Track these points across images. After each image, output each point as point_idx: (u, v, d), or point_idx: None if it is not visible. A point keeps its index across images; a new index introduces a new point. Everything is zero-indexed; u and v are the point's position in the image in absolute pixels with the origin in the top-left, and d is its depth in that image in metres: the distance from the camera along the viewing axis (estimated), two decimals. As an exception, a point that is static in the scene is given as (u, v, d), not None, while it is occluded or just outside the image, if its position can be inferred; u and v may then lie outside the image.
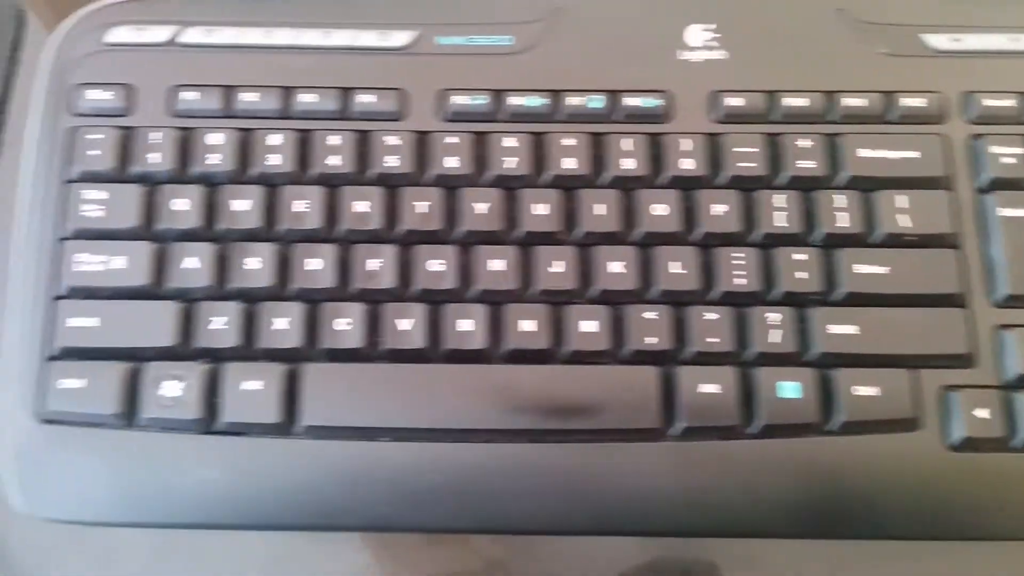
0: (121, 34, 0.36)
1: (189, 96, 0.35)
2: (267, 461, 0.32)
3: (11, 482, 0.32)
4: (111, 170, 0.34)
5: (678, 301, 0.33)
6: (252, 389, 0.31)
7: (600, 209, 0.33)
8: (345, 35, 0.36)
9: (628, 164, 0.34)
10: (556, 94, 0.35)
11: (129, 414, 0.32)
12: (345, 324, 0.32)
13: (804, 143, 0.34)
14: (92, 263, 0.33)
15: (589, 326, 0.32)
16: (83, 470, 0.32)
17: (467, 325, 0.32)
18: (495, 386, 0.32)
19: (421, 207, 0.34)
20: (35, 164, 0.35)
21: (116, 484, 0.32)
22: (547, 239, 0.33)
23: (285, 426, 0.32)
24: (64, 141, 0.35)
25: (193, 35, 0.36)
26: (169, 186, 0.34)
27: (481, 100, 0.35)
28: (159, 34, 0.36)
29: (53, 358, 0.32)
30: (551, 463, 0.32)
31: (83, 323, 0.32)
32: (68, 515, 0.32)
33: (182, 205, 0.34)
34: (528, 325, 0.32)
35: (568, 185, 0.34)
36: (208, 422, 0.32)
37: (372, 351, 0.32)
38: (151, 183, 0.34)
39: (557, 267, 0.33)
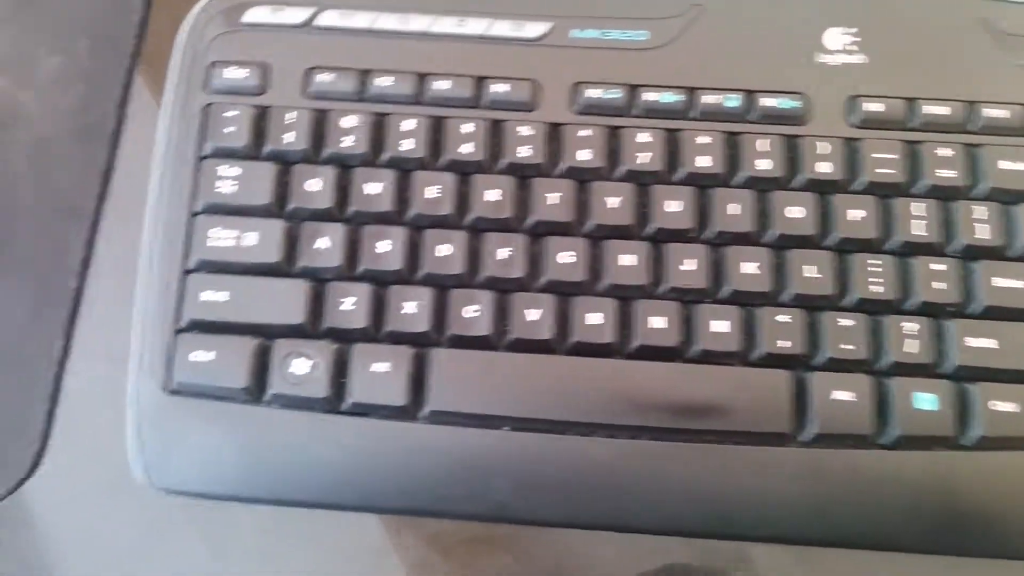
0: (257, 14, 0.36)
1: (324, 78, 0.35)
2: (390, 444, 0.32)
3: (135, 452, 0.32)
4: (245, 147, 0.34)
5: (812, 306, 0.32)
6: (380, 371, 0.31)
7: (734, 209, 0.33)
8: (480, 24, 0.36)
9: (763, 165, 0.34)
10: (691, 91, 0.35)
11: (256, 389, 0.32)
12: (473, 311, 0.32)
13: (944, 152, 0.34)
14: (224, 238, 0.33)
15: (720, 326, 0.32)
16: (206, 443, 0.32)
17: (595, 319, 0.32)
18: (621, 381, 0.32)
19: (552, 198, 0.33)
20: (169, 139, 0.35)
21: (238, 459, 0.32)
22: (679, 236, 0.33)
23: (410, 410, 0.32)
24: (199, 118, 0.35)
25: (329, 18, 0.36)
26: (302, 166, 0.34)
27: (615, 94, 0.35)
28: (295, 15, 0.36)
29: (182, 330, 0.32)
30: (674, 462, 0.31)
31: (214, 297, 0.32)
32: (188, 487, 0.32)
33: (315, 186, 0.34)
34: (658, 322, 0.32)
35: (701, 183, 0.34)
36: (334, 402, 0.32)
37: (499, 340, 0.32)
38: (284, 162, 0.34)
39: (689, 265, 0.32)
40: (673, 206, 0.33)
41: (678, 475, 0.31)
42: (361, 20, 0.36)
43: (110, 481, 0.33)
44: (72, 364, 0.35)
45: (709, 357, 0.32)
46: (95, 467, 0.34)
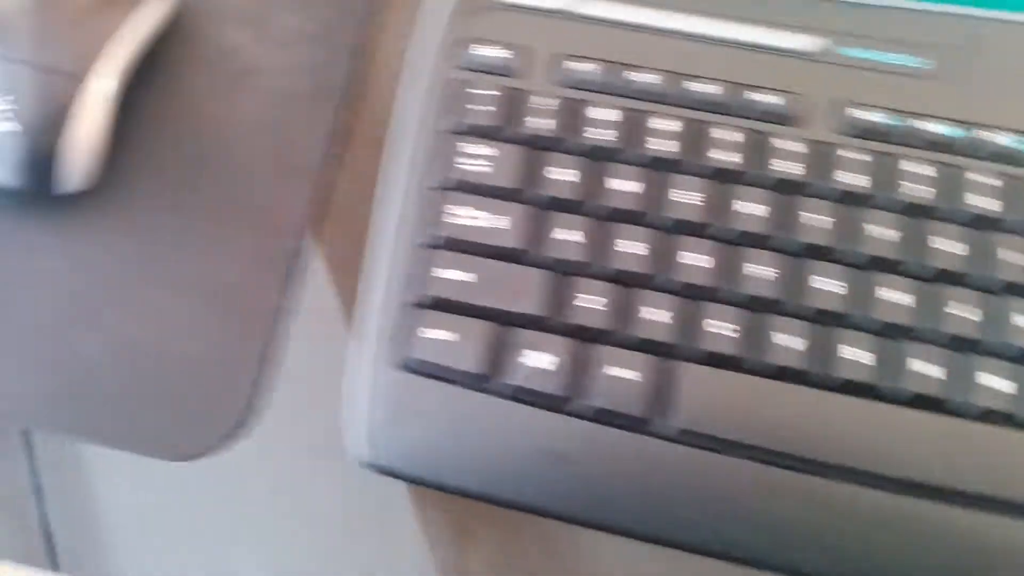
0: (517, -6, 0.35)
1: (580, 67, 0.34)
2: (622, 455, 0.30)
3: (351, 423, 0.30)
4: (494, 128, 0.33)
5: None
6: (622, 377, 0.29)
7: (1018, 258, 0.30)
8: (746, 30, 0.34)
9: (1052, 216, 0.31)
10: (973, 127, 0.32)
11: (488, 377, 0.30)
12: (727, 329, 0.30)
13: None
14: (467, 217, 0.31)
15: (996, 383, 0.29)
16: (428, 424, 0.30)
17: (858, 355, 0.30)
18: (885, 428, 0.29)
19: (814, 219, 0.31)
20: (416, 112, 0.34)
21: (458, 446, 0.30)
22: (954, 278, 0.30)
23: (648, 423, 0.29)
24: (448, 93, 0.34)
25: (591, 7, 0.35)
26: (551, 153, 0.32)
27: (888, 119, 0.32)
28: (555, 0, 0.35)
29: (421, 306, 0.31)
30: (942, 526, 0.28)
31: (453, 276, 0.31)
32: (400, 468, 0.30)
33: (563, 175, 0.32)
34: (927, 368, 0.29)
35: (980, 226, 0.31)
36: (567, 401, 0.30)
37: (752, 361, 0.30)
38: (533, 147, 0.33)
39: (964, 311, 0.30)
40: (949, 245, 0.31)
41: (944, 540, 0.29)
42: (622, 13, 0.35)
43: (317, 449, 0.32)
44: (287, 325, 0.34)
45: (982, 415, 0.29)
46: (303, 432, 0.32)
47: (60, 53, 0.34)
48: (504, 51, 0.34)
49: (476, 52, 0.34)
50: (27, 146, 0.33)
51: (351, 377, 0.31)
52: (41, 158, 0.34)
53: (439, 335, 0.30)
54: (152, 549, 0.31)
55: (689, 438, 0.29)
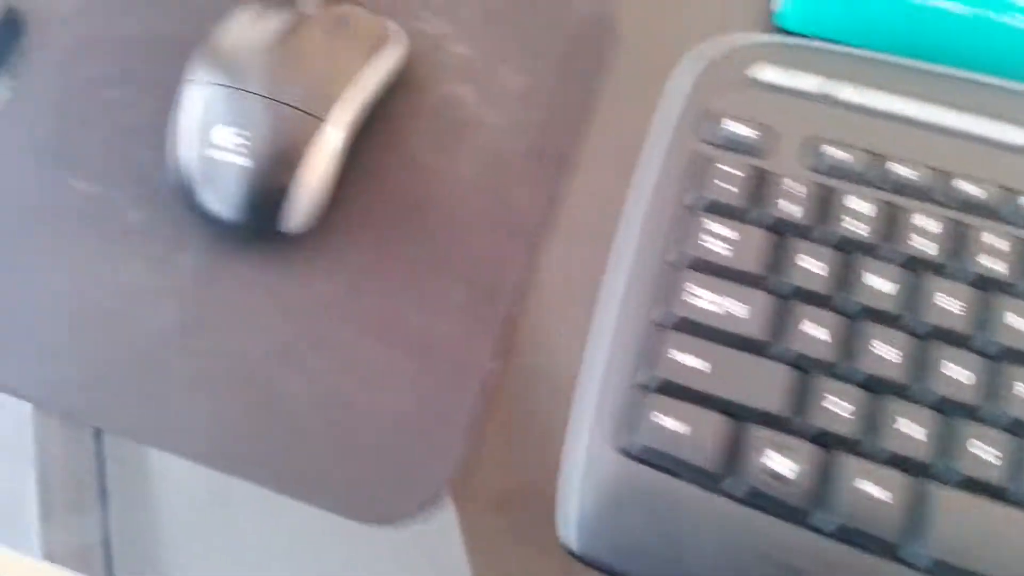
0: (768, 73, 0.33)
1: (837, 153, 0.32)
2: (864, 580, 0.26)
3: (564, 504, 0.28)
4: (739, 208, 0.31)
5: None
6: (872, 494, 0.27)
7: None
8: (1017, 132, 0.32)
9: None
10: None
11: (720, 476, 0.27)
12: (990, 454, 0.27)
13: None
14: (706, 299, 0.30)
15: None
16: (647, 520, 0.28)
17: None
18: None
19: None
20: (653, 181, 0.32)
21: (678, 547, 0.28)
22: None
23: (897, 548, 0.26)
24: (692, 166, 0.32)
25: (846, 92, 0.33)
26: (799, 240, 0.30)
27: None
28: (808, 82, 0.33)
29: (646, 388, 0.29)
30: None
31: (687, 360, 0.29)
32: (615, 564, 0.28)
33: (811, 264, 0.30)
34: None
35: None
36: (807, 513, 0.27)
37: (1017, 492, 0.26)
38: (780, 232, 0.30)
39: None
40: None
41: None
42: (881, 100, 0.33)
43: (519, 524, 0.30)
44: (499, 391, 0.32)
45: None
46: (506, 505, 0.30)
47: (300, 93, 0.34)
48: (754, 129, 0.32)
49: (724, 127, 0.33)
50: (256, 183, 0.33)
51: (569, 452, 0.29)
52: (268, 196, 0.33)
53: (669, 423, 0.28)
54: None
55: (942, 570, 0.26)
